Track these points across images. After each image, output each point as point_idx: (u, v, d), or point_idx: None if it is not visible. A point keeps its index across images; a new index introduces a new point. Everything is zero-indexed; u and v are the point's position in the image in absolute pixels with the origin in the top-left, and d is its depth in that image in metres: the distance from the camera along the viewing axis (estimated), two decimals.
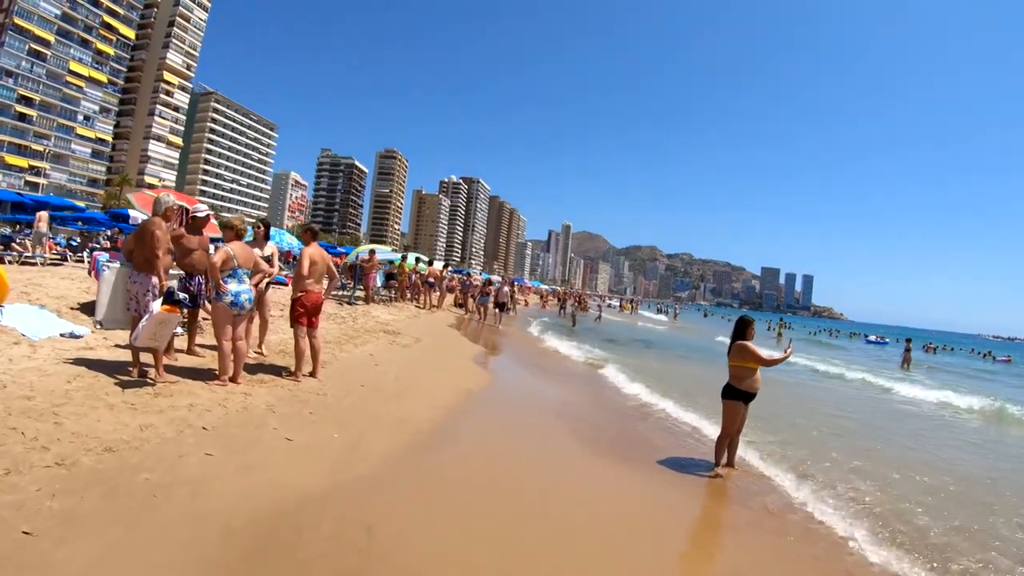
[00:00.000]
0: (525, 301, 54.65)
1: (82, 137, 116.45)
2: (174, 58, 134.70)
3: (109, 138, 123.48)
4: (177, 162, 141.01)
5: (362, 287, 22.15)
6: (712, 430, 8.76)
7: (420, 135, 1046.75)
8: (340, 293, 22.84)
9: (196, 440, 5.41)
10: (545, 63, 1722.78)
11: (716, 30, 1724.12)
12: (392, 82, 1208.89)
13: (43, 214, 21.48)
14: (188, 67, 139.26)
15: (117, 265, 7.83)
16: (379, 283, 24.42)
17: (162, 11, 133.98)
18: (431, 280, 26.92)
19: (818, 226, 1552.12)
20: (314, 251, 8.45)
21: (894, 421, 13.34)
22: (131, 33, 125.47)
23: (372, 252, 22.90)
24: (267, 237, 9.89)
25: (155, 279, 7.12)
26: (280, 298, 16.09)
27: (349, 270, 24.26)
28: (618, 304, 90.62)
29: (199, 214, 8.53)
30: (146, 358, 7.16)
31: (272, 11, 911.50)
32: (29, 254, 19.29)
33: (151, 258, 7.03)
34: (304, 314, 8.43)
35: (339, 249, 42.61)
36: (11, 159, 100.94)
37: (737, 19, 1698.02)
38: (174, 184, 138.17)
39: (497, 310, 26.02)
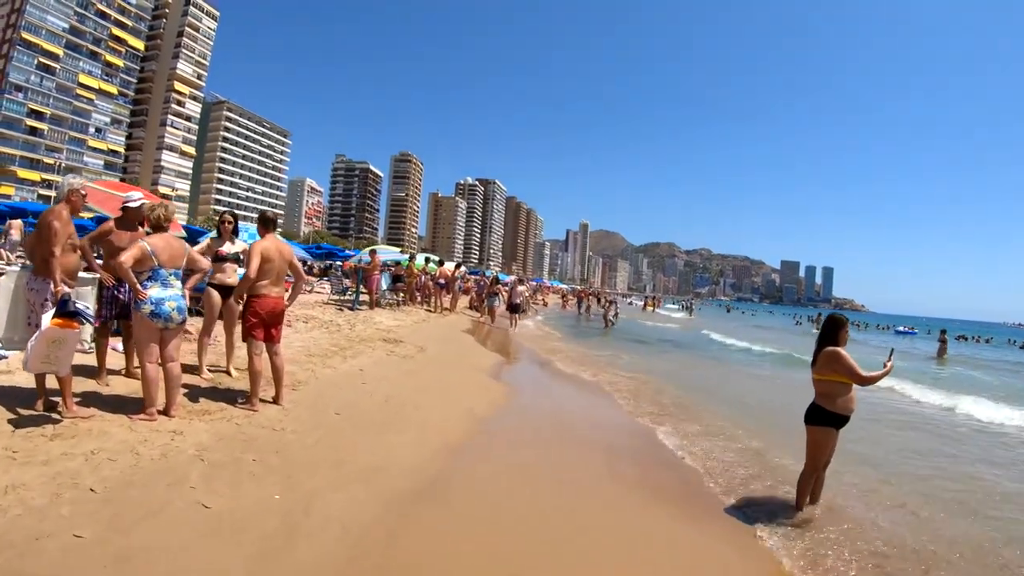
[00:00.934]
0: (544, 302, 53.09)
1: (94, 149, 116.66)
2: (184, 68, 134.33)
3: (121, 149, 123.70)
4: (191, 172, 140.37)
5: (365, 291, 20.24)
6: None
7: (434, 138, 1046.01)
8: (342, 298, 21.47)
9: (73, 510, 3.76)
10: (557, 61, 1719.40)
11: (731, 19, 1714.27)
12: (405, 85, 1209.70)
13: (16, 222, 20.11)
14: (199, 76, 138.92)
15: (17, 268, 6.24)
16: (384, 286, 22.50)
17: (171, 22, 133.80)
18: (441, 281, 24.95)
19: (837, 217, 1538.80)
20: (268, 245, 6.68)
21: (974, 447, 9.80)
22: (140, 44, 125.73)
23: (373, 253, 21.26)
24: (236, 232, 8.28)
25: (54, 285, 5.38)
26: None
27: (352, 273, 22.68)
28: (642, 302, 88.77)
29: (131, 204, 6.74)
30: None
31: (281, 19, 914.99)
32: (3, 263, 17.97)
33: (47, 257, 5.38)
34: (258, 324, 6.66)
35: (348, 252, 41.37)
36: (23, 173, 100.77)
37: (754, 7, 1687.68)
38: (188, 194, 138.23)
39: (511, 312, 23.63)
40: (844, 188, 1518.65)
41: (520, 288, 25.41)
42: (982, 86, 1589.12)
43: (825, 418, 5.57)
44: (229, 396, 6.93)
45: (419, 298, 24.58)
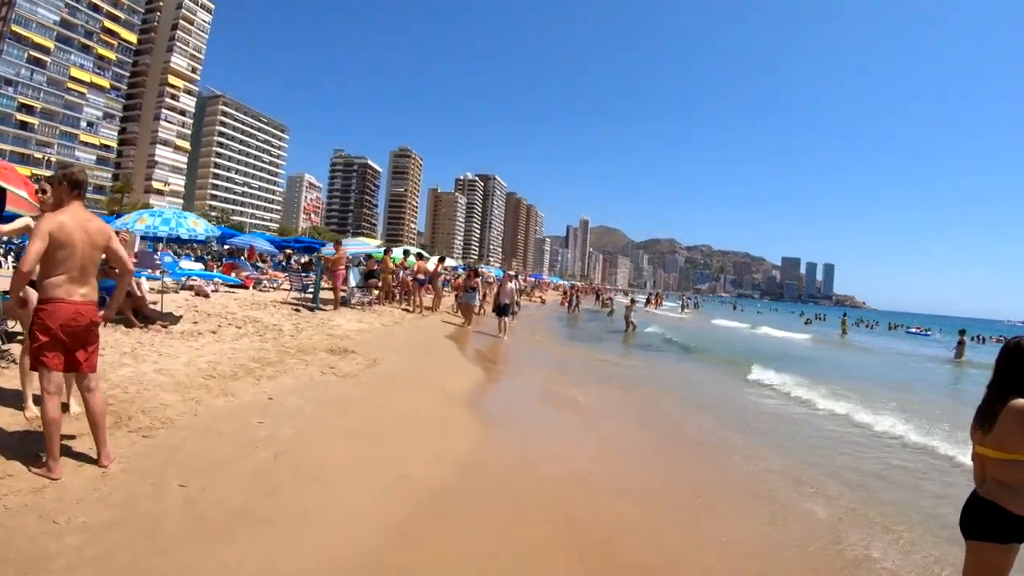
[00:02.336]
0: (542, 299, 51.52)
1: (86, 144, 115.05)
2: (179, 61, 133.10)
3: (114, 144, 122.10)
4: (185, 167, 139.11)
5: (329, 288, 17.95)
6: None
7: (434, 133, 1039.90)
8: (302, 296, 19.20)
9: None
10: (558, 58, 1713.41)
11: (730, 19, 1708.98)
12: (404, 80, 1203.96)
13: None
14: (193, 70, 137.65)
15: None
16: (353, 283, 20.23)
17: (165, 14, 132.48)
18: (421, 277, 22.38)
19: (839, 214, 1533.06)
20: (65, 222, 4.31)
21: None
22: (133, 37, 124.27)
23: (338, 244, 19.12)
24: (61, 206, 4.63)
25: None
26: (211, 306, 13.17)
27: (314, 267, 20.63)
28: (644, 300, 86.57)
29: None
30: None
31: (277, 12, 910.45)
32: None
33: None
34: (51, 345, 4.28)
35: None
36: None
37: (753, 7, 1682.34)
38: (183, 189, 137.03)
39: (498, 315, 19.29)
40: (845, 184, 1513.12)
41: (510, 286, 19.99)
42: (981, 86, 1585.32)
43: (1009, 528, 3.13)
44: (35, 449, 4.54)
45: (397, 296, 22.48)
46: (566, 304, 46.80)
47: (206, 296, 16.15)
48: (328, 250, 20.08)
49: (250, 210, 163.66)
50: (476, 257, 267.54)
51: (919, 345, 44.64)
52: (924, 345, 45.39)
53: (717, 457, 7.88)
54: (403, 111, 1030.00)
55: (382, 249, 23.42)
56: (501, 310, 19.35)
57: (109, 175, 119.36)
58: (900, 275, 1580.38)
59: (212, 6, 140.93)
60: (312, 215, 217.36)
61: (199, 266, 22.96)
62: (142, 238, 15.84)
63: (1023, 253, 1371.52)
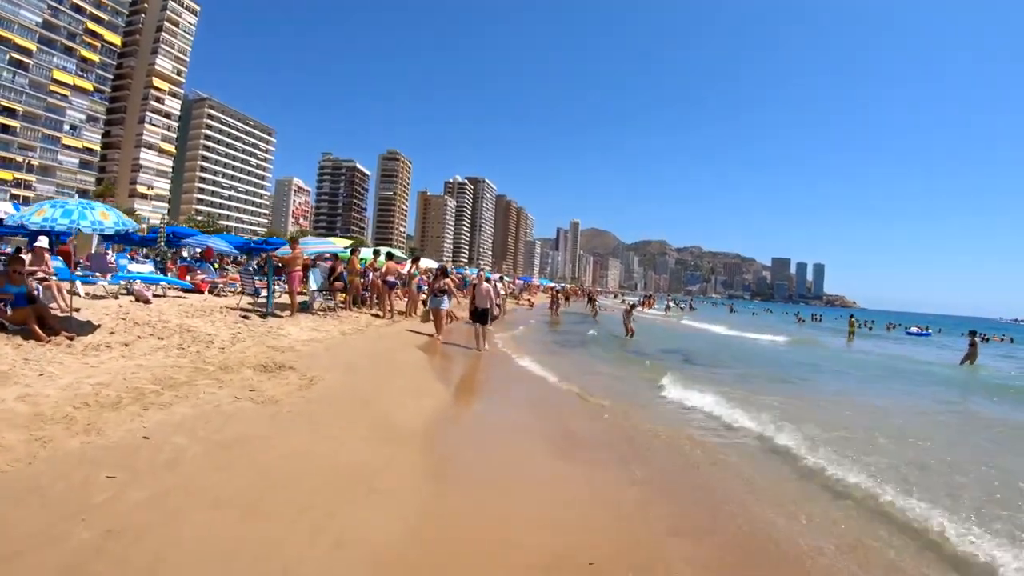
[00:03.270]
0: (530, 302, 49.82)
1: (69, 147, 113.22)
2: (164, 64, 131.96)
3: (97, 147, 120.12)
4: (171, 170, 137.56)
5: (287, 291, 16.69)
6: None
7: (422, 136, 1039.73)
8: (255, 301, 17.43)
9: None
10: (547, 60, 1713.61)
11: (715, 19, 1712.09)
12: (392, 82, 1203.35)
13: None
14: (179, 72, 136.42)
15: None
16: (314, 285, 18.72)
17: (149, 16, 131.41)
18: (391, 279, 20.51)
19: (827, 214, 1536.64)
20: None
21: None
22: (117, 39, 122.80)
23: (294, 242, 17.36)
24: None
25: None
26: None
27: (265, 269, 19.27)
28: (638, 300, 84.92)
29: None
30: None
31: (264, 14, 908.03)
32: None
33: None
34: None
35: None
36: None
37: (734, 11, 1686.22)
38: (168, 192, 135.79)
39: (475, 322, 16.25)
40: (834, 184, 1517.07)
41: (485, 287, 16.44)
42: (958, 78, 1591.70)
43: None
44: None
45: (367, 301, 21.20)
46: (560, 306, 45.94)
47: (146, 302, 15.03)
48: (285, 250, 18.63)
49: (237, 214, 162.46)
50: (466, 260, 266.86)
51: (921, 347, 43.15)
52: (926, 347, 44.10)
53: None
54: (391, 114, 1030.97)
55: (348, 249, 21.69)
56: (477, 316, 16.10)
57: (93, 179, 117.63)
58: (889, 274, 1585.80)
59: (198, 8, 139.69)
60: (301, 219, 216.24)
61: (149, 268, 21.70)
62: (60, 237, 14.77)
63: (1012, 251, 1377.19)
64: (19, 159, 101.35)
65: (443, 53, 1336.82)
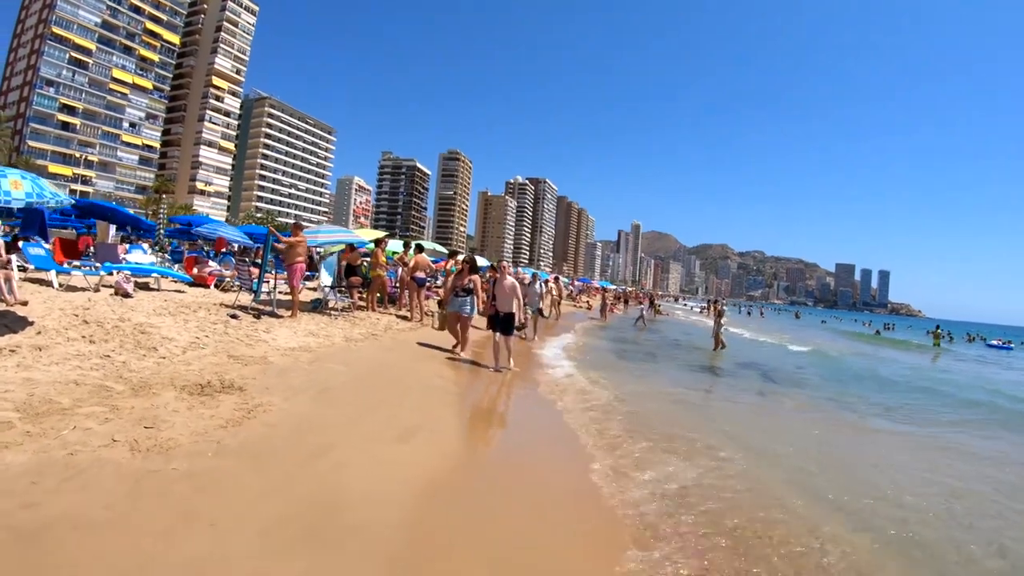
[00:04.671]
0: (589, 304, 47.34)
1: (128, 144, 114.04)
2: (223, 63, 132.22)
3: (157, 145, 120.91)
4: (230, 167, 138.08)
5: (288, 288, 13.82)
6: None
7: (484, 136, 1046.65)
8: (254, 296, 14.53)
9: None
10: (611, 61, 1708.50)
11: (802, 19, 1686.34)
12: (453, 82, 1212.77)
13: None
14: (238, 71, 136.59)
15: None
16: (327, 279, 16.43)
17: (208, 16, 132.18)
18: (419, 275, 16.86)
19: (894, 219, 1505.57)
20: None
21: None
22: (176, 39, 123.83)
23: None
24: None
25: None
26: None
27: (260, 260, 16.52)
28: (699, 307, 79.38)
29: None
30: None
31: (323, 14, 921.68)
32: None
33: None
34: None
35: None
36: (55, 168, 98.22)
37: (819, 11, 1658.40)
38: (228, 190, 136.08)
39: (496, 333, 11.91)
40: (902, 189, 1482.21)
41: (509, 281, 11.96)
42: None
43: None
44: None
45: (400, 301, 18.25)
46: (614, 311, 42.25)
47: (126, 296, 12.41)
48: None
49: (296, 212, 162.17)
50: (527, 261, 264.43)
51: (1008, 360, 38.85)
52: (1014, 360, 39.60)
53: None
54: (452, 113, 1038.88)
55: (370, 241, 17.99)
56: (498, 323, 11.83)
57: (152, 175, 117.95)
58: (955, 282, 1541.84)
59: (256, 8, 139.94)
60: (362, 217, 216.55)
61: (150, 259, 19.08)
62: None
63: None
64: (79, 155, 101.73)
65: (507, 53, 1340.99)
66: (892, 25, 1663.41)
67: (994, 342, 61.63)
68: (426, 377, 10.00)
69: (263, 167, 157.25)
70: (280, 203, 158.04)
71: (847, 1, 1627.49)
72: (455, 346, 12.74)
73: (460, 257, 16.27)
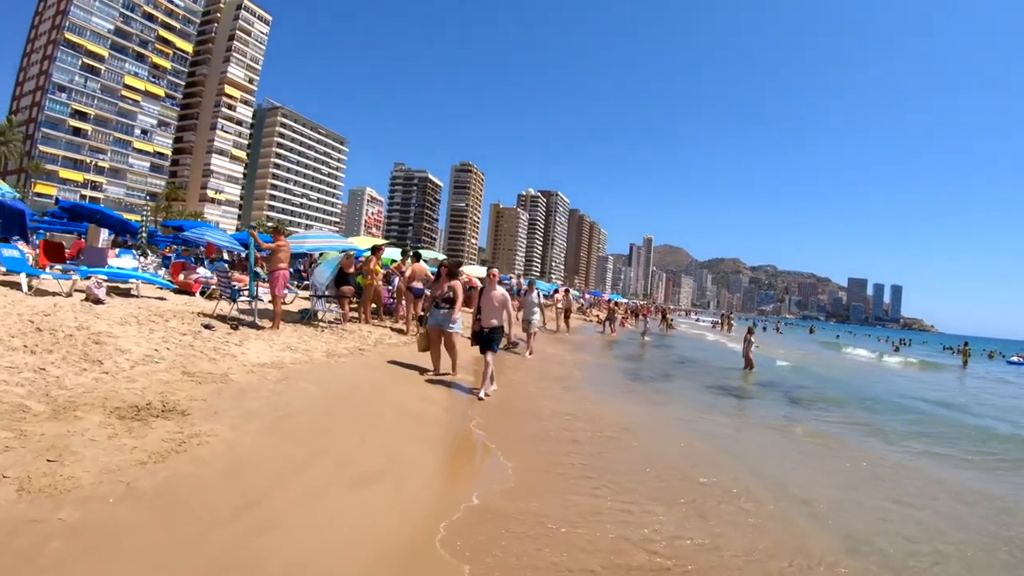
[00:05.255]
0: (598, 317, 45.61)
1: (140, 151, 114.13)
2: (236, 72, 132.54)
3: (168, 152, 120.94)
4: (241, 176, 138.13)
5: (270, 297, 12.53)
6: None
7: (496, 148, 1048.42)
8: (231, 307, 13.21)
9: None
10: (622, 75, 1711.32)
11: (811, 39, 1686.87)
12: (466, 95, 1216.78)
13: None
14: (250, 80, 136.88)
15: None
16: (325, 277, 15.02)
17: (222, 25, 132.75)
18: (416, 285, 15.40)
19: (907, 234, 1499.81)
20: None
21: None
22: (189, 47, 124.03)
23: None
24: None
25: None
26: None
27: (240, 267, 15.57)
28: (711, 322, 77.31)
29: None
30: None
31: (336, 25, 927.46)
32: None
33: None
34: None
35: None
36: (65, 173, 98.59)
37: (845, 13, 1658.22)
38: (239, 199, 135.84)
39: (480, 347, 10.24)
40: (914, 204, 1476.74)
41: (499, 292, 10.29)
42: None
43: None
44: None
45: (396, 312, 17.16)
46: (625, 325, 40.76)
47: (96, 302, 11.51)
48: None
49: (308, 221, 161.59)
50: (538, 274, 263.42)
51: None
52: None
53: None
54: (465, 125, 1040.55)
55: (365, 249, 17.27)
56: (482, 339, 10.10)
57: (163, 183, 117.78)
58: (966, 297, 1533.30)
59: (270, 17, 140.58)
60: (373, 228, 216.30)
61: (133, 263, 18.13)
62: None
63: None
64: (90, 161, 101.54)
65: (519, 65, 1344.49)
66: (907, 38, 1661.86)
67: (1015, 358, 60.18)
68: (407, 402, 8.69)
69: (275, 176, 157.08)
70: (292, 213, 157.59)
71: (864, 11, 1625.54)
72: (438, 370, 10.76)
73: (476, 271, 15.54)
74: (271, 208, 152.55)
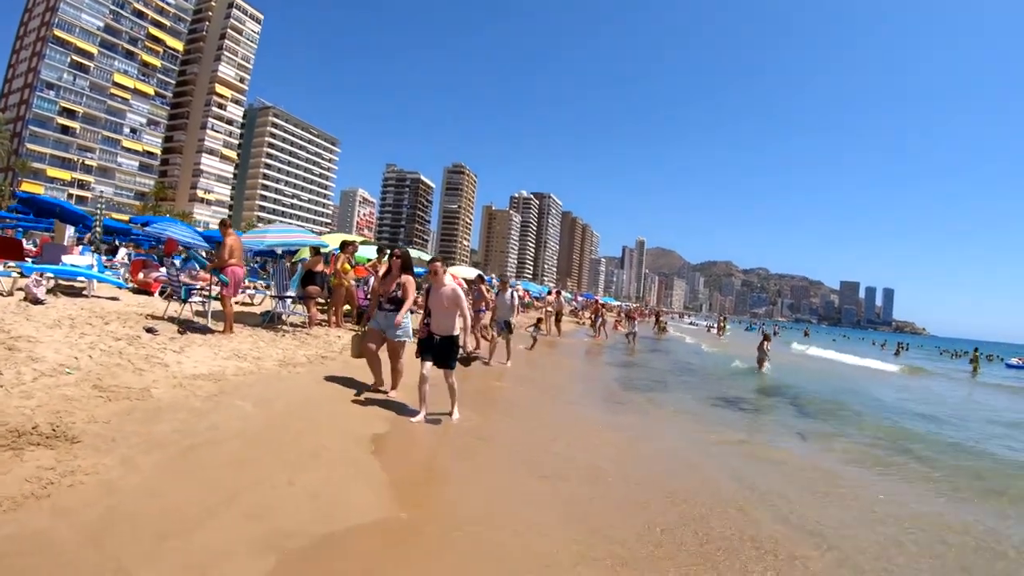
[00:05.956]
0: (591, 320, 44.52)
1: (129, 150, 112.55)
2: (226, 71, 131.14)
3: (158, 151, 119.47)
4: (232, 176, 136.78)
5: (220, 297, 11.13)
6: None
7: (489, 150, 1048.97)
8: (181, 309, 11.86)
9: None
10: (616, 77, 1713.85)
11: (801, 40, 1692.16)
12: (458, 97, 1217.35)
13: None
14: (242, 80, 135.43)
15: None
16: (281, 290, 13.55)
17: (213, 24, 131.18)
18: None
19: (899, 237, 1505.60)
20: None
21: None
22: (179, 45, 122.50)
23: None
24: None
25: None
26: None
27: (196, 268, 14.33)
28: (705, 325, 75.76)
29: None
30: None
31: (328, 25, 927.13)
32: None
33: None
34: None
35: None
36: (53, 172, 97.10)
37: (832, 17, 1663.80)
38: (229, 199, 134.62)
39: (429, 365, 7.79)
40: (906, 207, 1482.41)
41: (448, 289, 7.79)
42: None
43: None
44: None
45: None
46: (618, 328, 39.05)
47: (35, 301, 10.61)
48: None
49: (299, 223, 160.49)
50: (531, 276, 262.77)
51: None
52: None
53: None
54: (458, 127, 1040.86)
55: (331, 246, 15.78)
56: (433, 352, 7.85)
57: (152, 182, 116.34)
58: (956, 300, 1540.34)
59: (261, 16, 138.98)
60: (365, 229, 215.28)
61: (88, 260, 17.10)
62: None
63: None
64: (77, 159, 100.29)
65: (512, 67, 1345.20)
66: (894, 39, 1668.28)
67: (1013, 361, 59.46)
68: (355, 426, 7.03)
69: (265, 177, 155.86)
70: (282, 213, 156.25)
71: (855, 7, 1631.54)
72: (379, 383, 8.92)
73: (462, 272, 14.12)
74: (262, 208, 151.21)
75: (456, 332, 7.86)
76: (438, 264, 7.96)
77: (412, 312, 8.95)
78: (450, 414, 8.07)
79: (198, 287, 11.79)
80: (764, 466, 8.39)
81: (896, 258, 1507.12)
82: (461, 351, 8.45)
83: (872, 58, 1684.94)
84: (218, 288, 11.12)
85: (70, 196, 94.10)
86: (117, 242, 28.56)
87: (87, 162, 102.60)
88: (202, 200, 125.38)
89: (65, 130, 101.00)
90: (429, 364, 7.77)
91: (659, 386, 16.08)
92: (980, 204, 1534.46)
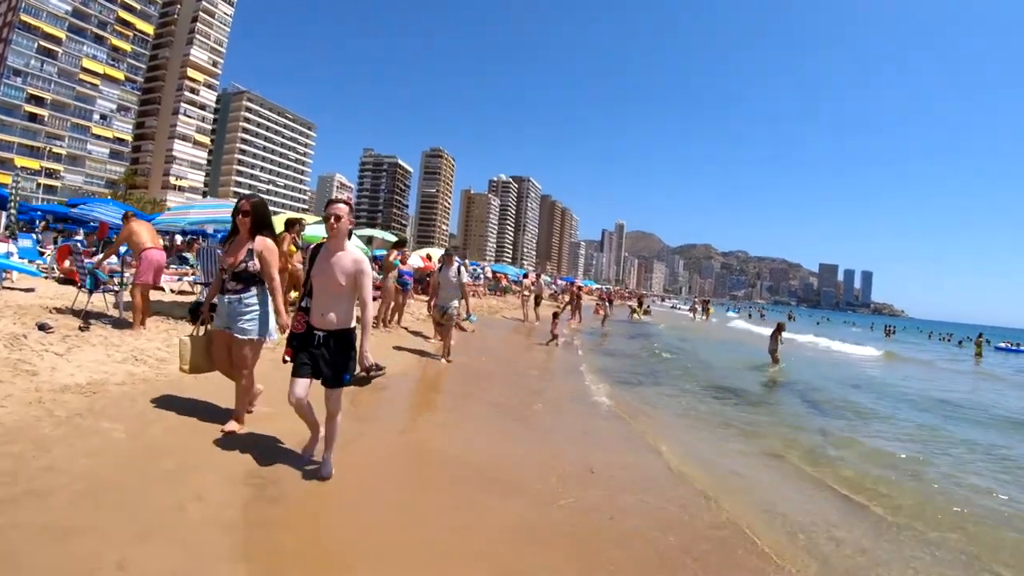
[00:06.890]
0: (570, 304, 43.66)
1: (99, 137, 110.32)
2: (199, 55, 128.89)
3: (129, 138, 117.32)
4: (206, 162, 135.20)
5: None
6: None
7: (467, 134, 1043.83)
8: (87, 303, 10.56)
9: None
10: (594, 59, 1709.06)
11: (785, 20, 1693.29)
12: (436, 80, 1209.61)
13: None
14: (214, 64, 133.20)
15: None
16: (209, 276, 12.44)
17: (184, 6, 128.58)
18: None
19: (876, 219, 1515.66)
20: None
21: None
22: (150, 29, 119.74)
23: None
24: None
25: None
26: None
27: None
28: (688, 307, 72.77)
29: None
30: None
31: (303, 8, 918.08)
32: None
33: None
34: None
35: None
36: (21, 161, 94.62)
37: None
38: (203, 185, 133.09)
39: (303, 381, 4.67)
40: (884, 189, 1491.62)
41: (347, 262, 4.61)
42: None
43: None
44: None
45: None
46: (599, 312, 37.77)
47: None
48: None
49: (276, 208, 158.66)
50: (510, 260, 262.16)
51: None
52: None
53: None
54: (436, 111, 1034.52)
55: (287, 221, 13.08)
56: (321, 362, 4.72)
57: (123, 169, 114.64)
58: (935, 282, 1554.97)
59: None
60: None
61: (4, 249, 16.21)
62: None
63: None
64: (46, 147, 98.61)
65: (487, 51, 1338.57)
66: (875, 27, 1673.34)
67: (1002, 344, 59.71)
68: (236, 468, 4.77)
69: (240, 163, 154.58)
70: None
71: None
72: (243, 405, 5.88)
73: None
74: (236, 195, 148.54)
75: (352, 325, 4.85)
76: (337, 207, 4.71)
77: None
78: (323, 457, 4.97)
79: (106, 278, 11.12)
80: None
81: (874, 240, 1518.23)
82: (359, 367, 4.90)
83: (849, 37, 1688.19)
84: (129, 275, 10.47)
85: (39, 186, 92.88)
86: (36, 224, 27.24)
87: (55, 150, 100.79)
88: (175, 187, 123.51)
89: (33, 118, 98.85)
90: (305, 381, 4.77)
91: (652, 375, 14.79)
92: (957, 188, 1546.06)
